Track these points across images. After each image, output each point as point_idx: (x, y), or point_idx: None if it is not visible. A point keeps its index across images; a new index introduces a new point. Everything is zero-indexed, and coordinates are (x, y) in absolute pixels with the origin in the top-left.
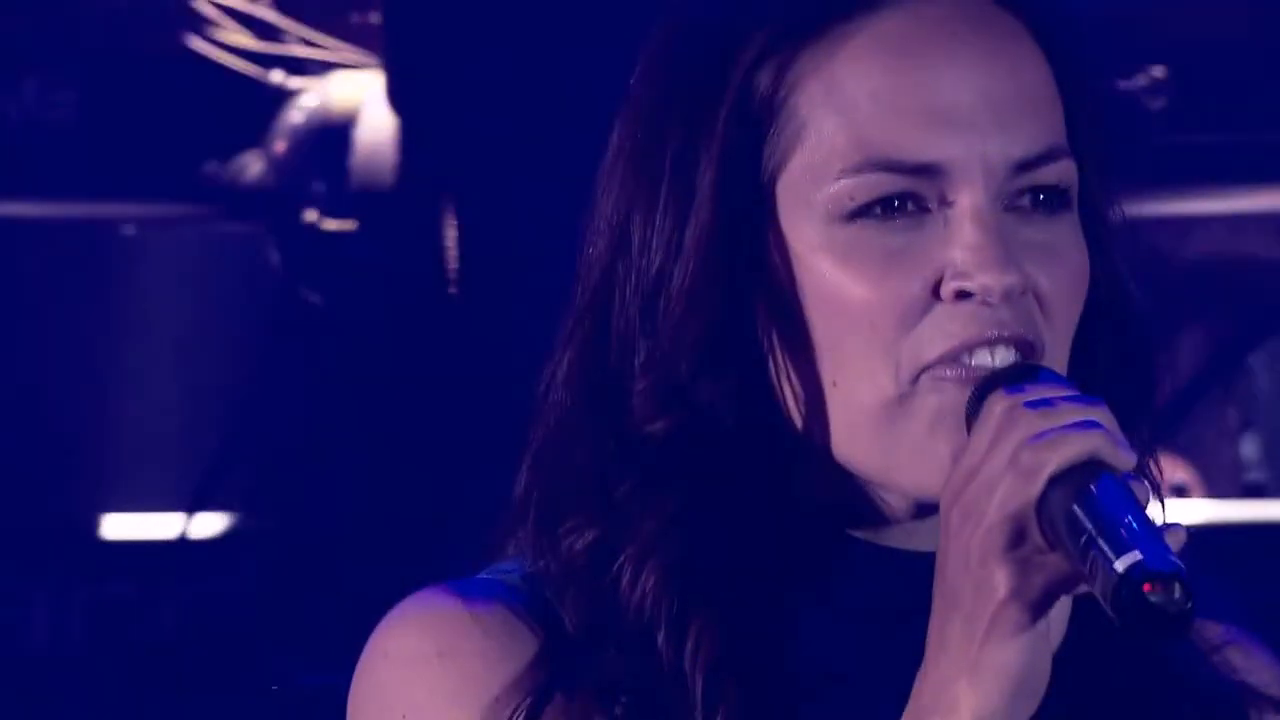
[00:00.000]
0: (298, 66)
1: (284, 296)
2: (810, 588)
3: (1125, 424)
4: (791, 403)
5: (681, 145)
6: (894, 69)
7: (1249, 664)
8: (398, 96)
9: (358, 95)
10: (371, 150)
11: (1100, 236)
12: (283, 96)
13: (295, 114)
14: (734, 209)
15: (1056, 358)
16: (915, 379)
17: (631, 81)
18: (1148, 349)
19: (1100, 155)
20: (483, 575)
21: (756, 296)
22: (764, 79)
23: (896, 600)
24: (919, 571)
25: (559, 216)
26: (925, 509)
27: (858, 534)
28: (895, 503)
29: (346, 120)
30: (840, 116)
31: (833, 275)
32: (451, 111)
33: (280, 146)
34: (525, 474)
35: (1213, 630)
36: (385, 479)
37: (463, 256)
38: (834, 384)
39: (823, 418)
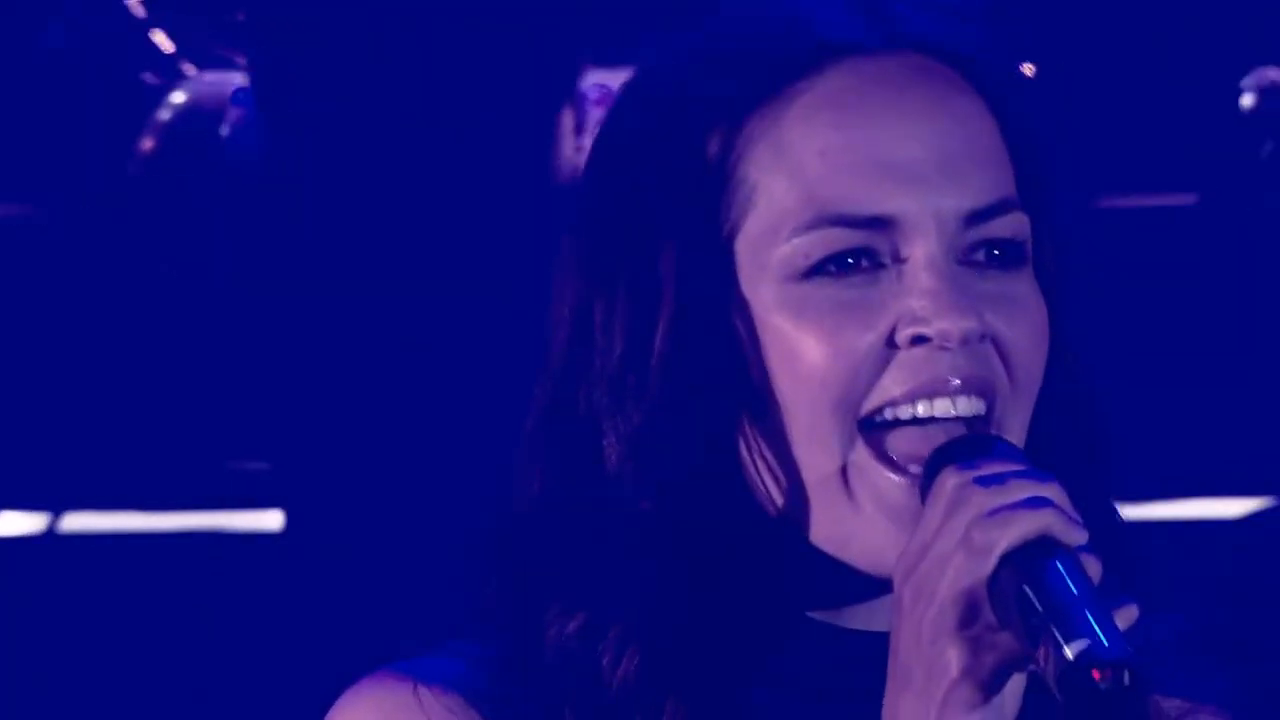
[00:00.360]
0: (166, 65)
1: (155, 293)
2: (774, 671)
3: (1078, 498)
4: (761, 475)
5: (637, 224)
6: (840, 126)
7: None
8: (263, 94)
9: (225, 93)
10: (238, 147)
11: (1054, 301)
12: (152, 94)
13: (164, 111)
14: (694, 282)
15: (1018, 411)
16: (869, 427)
17: (586, 161)
18: (1101, 421)
19: (1050, 212)
20: (439, 656)
21: (724, 367)
22: (712, 147)
23: (857, 681)
24: (878, 652)
25: (423, 212)
26: (887, 588)
27: (821, 616)
28: (858, 581)
29: (214, 117)
30: (790, 178)
31: (788, 333)
32: (315, 109)
33: (149, 144)
34: (496, 559)
35: (1171, 704)
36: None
37: (323, 251)
38: (793, 449)
39: (786, 488)
